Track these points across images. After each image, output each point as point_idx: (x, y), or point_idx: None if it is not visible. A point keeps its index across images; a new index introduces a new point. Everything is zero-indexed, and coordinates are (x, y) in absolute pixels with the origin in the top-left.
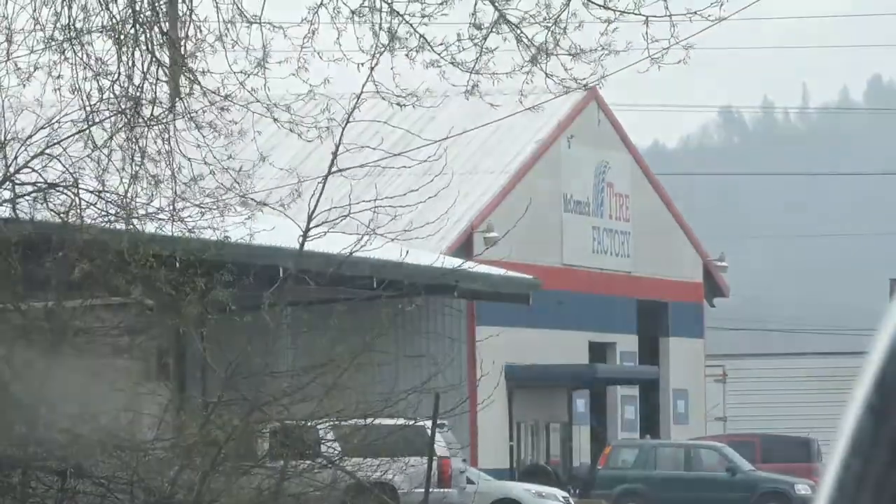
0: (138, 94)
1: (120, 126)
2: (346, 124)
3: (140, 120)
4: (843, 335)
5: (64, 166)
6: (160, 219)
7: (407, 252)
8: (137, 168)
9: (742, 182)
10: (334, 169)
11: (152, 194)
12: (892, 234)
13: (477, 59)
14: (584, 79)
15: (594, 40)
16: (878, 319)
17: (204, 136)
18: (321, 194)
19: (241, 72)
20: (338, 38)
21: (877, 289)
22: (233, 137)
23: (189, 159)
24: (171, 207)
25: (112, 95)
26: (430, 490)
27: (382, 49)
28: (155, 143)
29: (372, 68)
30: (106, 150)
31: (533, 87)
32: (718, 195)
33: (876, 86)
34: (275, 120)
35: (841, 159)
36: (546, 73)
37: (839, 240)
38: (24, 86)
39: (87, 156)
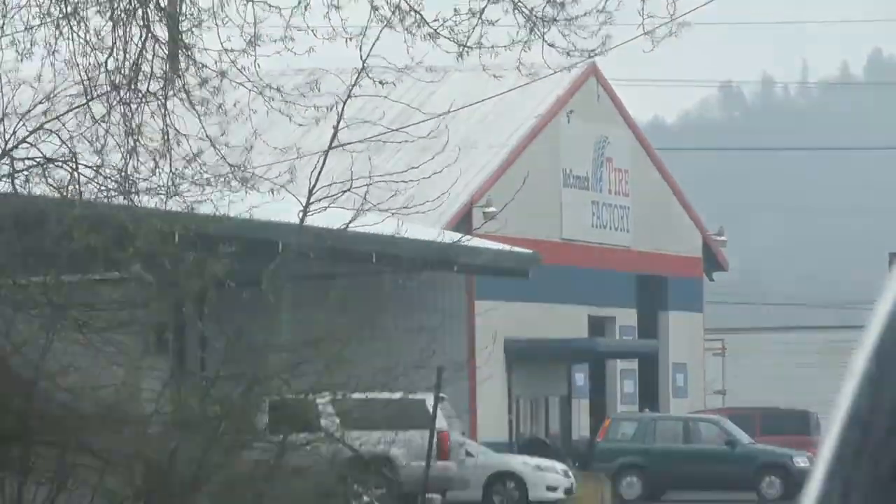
0: (135, 69)
1: (116, 101)
2: (346, 99)
3: (136, 95)
4: (842, 309)
5: (62, 140)
6: (159, 194)
7: (406, 227)
8: (134, 143)
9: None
10: (335, 144)
11: (154, 169)
12: (891, 210)
13: (473, 29)
14: (585, 50)
15: (593, 16)
16: (877, 293)
17: (199, 114)
18: (322, 169)
19: (234, 50)
20: (327, 14)
21: (876, 263)
22: (229, 115)
23: (186, 136)
24: (170, 183)
25: (107, 71)
26: (431, 463)
27: (384, 22)
28: (152, 118)
29: (370, 45)
30: (104, 125)
31: (532, 64)
32: (718, 170)
33: (876, 60)
34: (267, 101)
35: (841, 134)
36: (546, 42)
37: (839, 214)
38: (22, 61)
39: (84, 132)
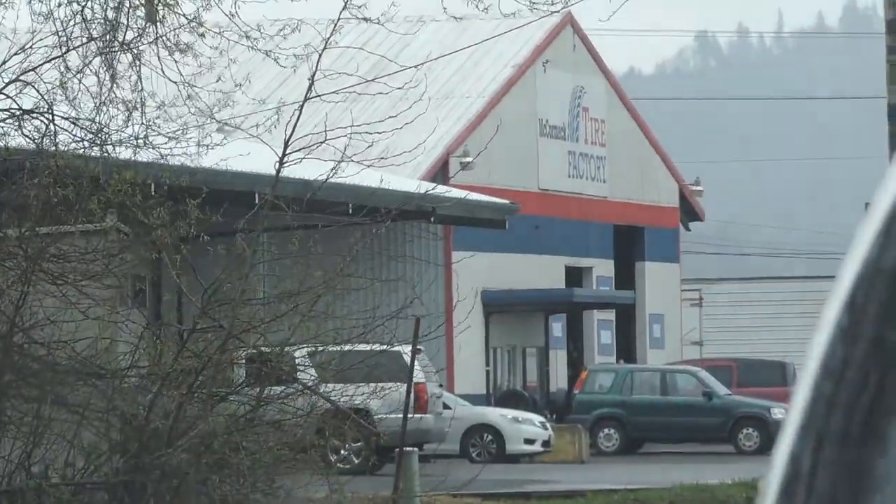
0: (112, 19)
1: (93, 52)
2: (322, 49)
3: (114, 45)
4: (819, 259)
5: (39, 93)
6: (134, 145)
7: (383, 178)
8: (108, 93)
9: (718, 107)
10: (311, 95)
11: (127, 119)
12: (867, 158)
13: None
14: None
15: None
16: (850, 242)
17: (177, 62)
18: (297, 120)
19: None
20: None
21: (853, 213)
22: (206, 65)
23: (166, 80)
24: (143, 134)
25: (84, 20)
26: (409, 416)
27: None
28: (128, 68)
29: None
30: (80, 76)
31: (508, 15)
32: (694, 120)
33: (850, 11)
34: (250, 48)
35: (816, 84)
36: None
37: (815, 164)
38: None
39: (61, 84)
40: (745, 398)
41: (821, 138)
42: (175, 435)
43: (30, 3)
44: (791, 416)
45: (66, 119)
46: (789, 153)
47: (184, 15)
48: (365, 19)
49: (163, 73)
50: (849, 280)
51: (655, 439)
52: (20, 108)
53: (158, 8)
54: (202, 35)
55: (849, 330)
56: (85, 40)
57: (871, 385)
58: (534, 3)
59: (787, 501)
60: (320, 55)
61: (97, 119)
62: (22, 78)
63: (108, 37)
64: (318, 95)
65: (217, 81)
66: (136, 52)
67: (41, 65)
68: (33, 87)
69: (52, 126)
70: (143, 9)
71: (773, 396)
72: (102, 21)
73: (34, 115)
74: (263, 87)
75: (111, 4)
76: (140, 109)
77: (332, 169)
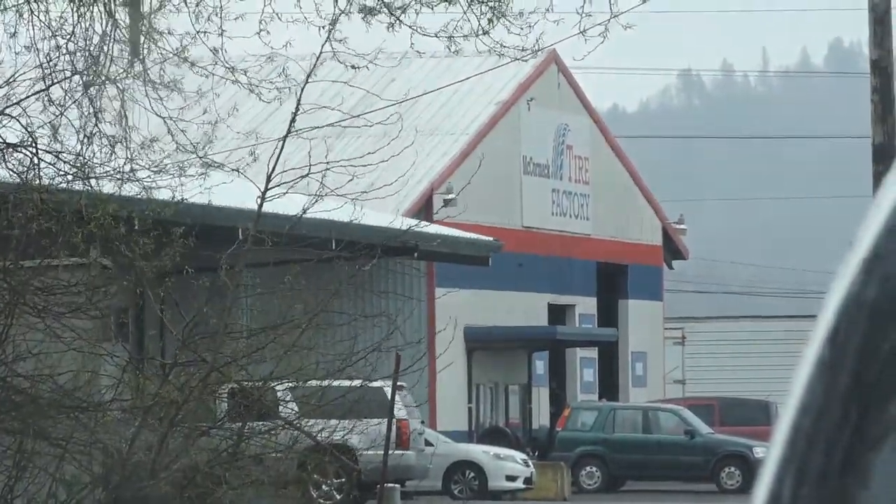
0: (96, 53)
1: (77, 86)
2: (305, 85)
3: (97, 79)
4: (802, 298)
5: (23, 126)
6: (117, 179)
7: (365, 213)
8: (93, 128)
9: (702, 145)
10: (294, 130)
11: (110, 155)
12: (851, 198)
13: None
14: (518, 47)
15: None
16: (832, 280)
17: (161, 98)
18: (279, 154)
19: (201, 32)
20: (298, 2)
21: (836, 252)
22: (190, 101)
23: (149, 114)
24: (128, 168)
25: (68, 53)
26: (390, 452)
27: (342, 10)
28: (112, 101)
29: (330, 30)
30: (62, 110)
31: (490, 52)
32: (678, 158)
33: (836, 49)
34: (234, 81)
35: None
36: (500, 46)
37: (799, 203)
38: None
39: (45, 120)
40: (727, 437)
41: (805, 177)
42: (157, 468)
43: (13, 35)
44: (772, 452)
45: (50, 153)
46: (774, 191)
47: (169, 50)
48: (352, 67)
49: (149, 107)
50: (831, 315)
51: (638, 477)
52: (5, 142)
53: (143, 44)
54: (190, 64)
55: (830, 364)
56: (69, 74)
57: (852, 419)
58: (503, 48)
59: None
60: (302, 89)
61: (81, 152)
62: (7, 112)
63: (91, 70)
64: (299, 131)
65: (204, 114)
66: (120, 86)
67: (25, 98)
68: (17, 120)
69: (35, 159)
70: (127, 44)
71: (756, 435)
72: (86, 55)
73: (18, 148)
74: (249, 120)
75: (94, 40)
76: (124, 143)
77: (313, 201)
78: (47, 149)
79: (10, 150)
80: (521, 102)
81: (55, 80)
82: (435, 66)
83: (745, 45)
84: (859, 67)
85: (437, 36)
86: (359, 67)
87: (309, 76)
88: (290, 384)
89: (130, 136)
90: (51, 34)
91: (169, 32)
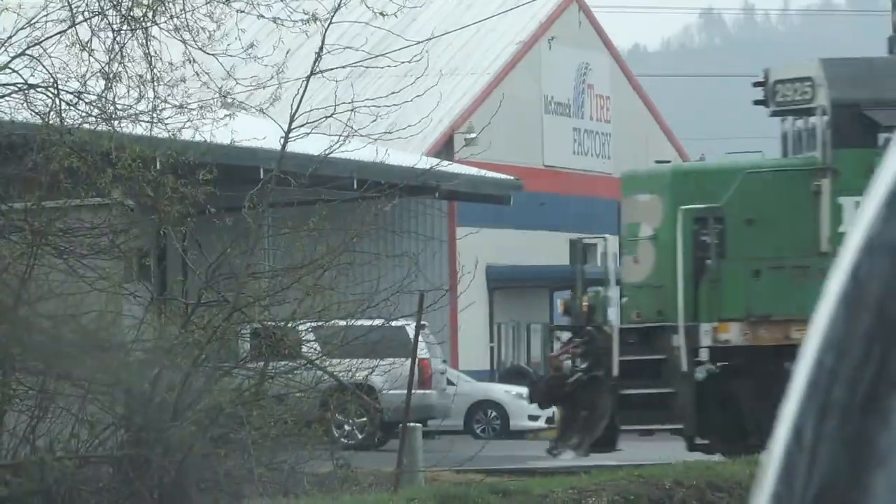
0: None
1: (101, 27)
2: (328, 24)
3: (122, 20)
4: None
5: (45, 68)
6: (141, 121)
7: (388, 153)
8: (118, 69)
9: (723, 84)
10: (317, 70)
11: (139, 95)
12: None
13: None
14: None
15: None
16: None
17: (184, 40)
18: (303, 95)
19: None
20: None
21: None
22: (215, 35)
23: (171, 64)
24: (152, 109)
25: None
26: (412, 391)
27: None
28: (137, 42)
29: None
30: (87, 51)
31: None
32: (699, 97)
33: None
34: (259, 16)
35: None
36: None
37: None
38: None
39: (66, 61)
40: None
41: None
42: (180, 408)
43: None
44: (794, 387)
45: (71, 93)
46: None
47: None
48: (375, 10)
49: (168, 52)
50: (852, 253)
51: None
52: (26, 83)
53: None
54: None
55: (852, 303)
56: (91, 14)
57: (875, 358)
58: None
59: (789, 475)
60: (326, 29)
61: (105, 95)
62: (28, 52)
63: (117, 10)
64: (322, 71)
65: (227, 47)
66: (144, 27)
67: (48, 38)
68: (39, 61)
69: (57, 101)
70: None
71: None
72: None
73: (39, 89)
74: (270, 61)
75: None
76: (152, 83)
77: (337, 142)
78: (69, 90)
79: (32, 90)
80: (542, 41)
81: (78, 20)
82: (456, 5)
83: None
84: (880, 6)
85: None
86: (386, 14)
87: (334, 14)
88: (313, 324)
89: (154, 78)
90: None
91: None
